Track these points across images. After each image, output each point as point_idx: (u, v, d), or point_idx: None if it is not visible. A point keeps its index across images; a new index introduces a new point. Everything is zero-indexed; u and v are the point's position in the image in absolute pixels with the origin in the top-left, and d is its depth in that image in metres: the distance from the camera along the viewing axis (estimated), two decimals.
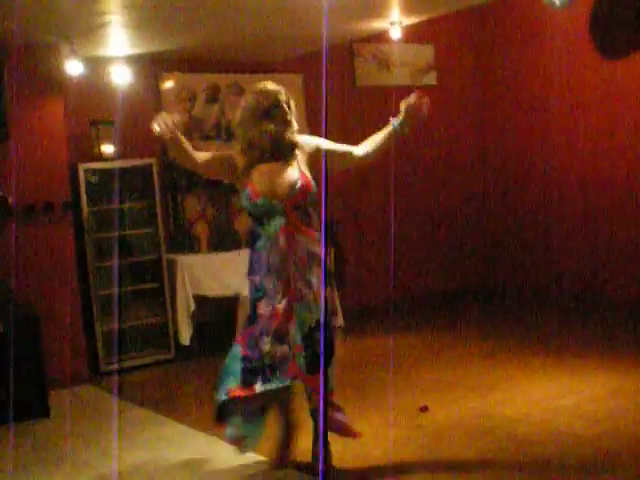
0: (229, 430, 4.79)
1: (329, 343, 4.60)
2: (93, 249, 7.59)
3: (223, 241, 8.34)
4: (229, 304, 8.07)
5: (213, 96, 8.51)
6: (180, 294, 7.79)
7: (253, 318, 4.65)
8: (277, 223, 4.57)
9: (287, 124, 4.66)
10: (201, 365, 7.72)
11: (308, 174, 4.66)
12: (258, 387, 4.57)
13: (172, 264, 7.87)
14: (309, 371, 4.59)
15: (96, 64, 7.61)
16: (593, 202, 8.92)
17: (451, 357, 7.21)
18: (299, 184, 4.58)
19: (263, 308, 4.60)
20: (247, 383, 4.60)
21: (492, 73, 9.97)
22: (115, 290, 7.60)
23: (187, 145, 4.73)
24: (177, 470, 5.10)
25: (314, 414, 4.79)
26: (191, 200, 8.30)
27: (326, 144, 4.77)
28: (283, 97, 4.67)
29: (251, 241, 4.78)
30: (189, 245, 8.23)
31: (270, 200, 4.55)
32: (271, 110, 4.60)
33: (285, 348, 4.57)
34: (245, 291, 7.97)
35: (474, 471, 4.64)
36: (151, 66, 8.13)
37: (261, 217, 4.61)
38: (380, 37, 8.37)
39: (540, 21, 9.25)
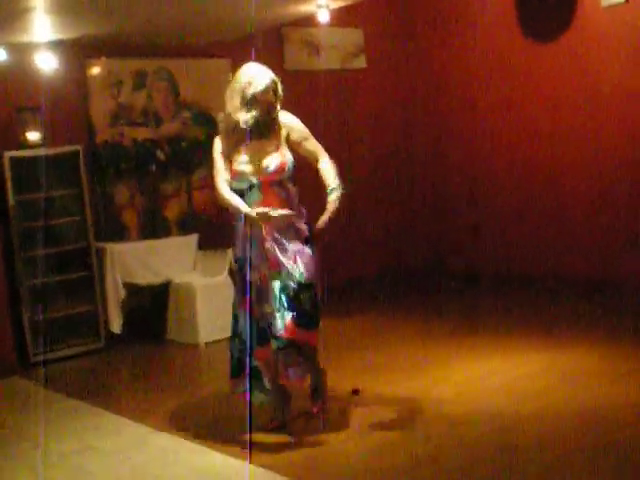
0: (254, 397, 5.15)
1: (315, 302, 4.99)
2: (20, 238, 7.45)
3: (153, 228, 8.27)
4: (160, 291, 8.02)
5: (140, 82, 8.39)
6: (110, 282, 7.71)
7: (243, 287, 4.97)
8: (253, 199, 4.92)
9: (272, 107, 4.99)
10: (132, 353, 7.66)
11: (286, 152, 5.02)
12: (273, 343, 4.96)
13: (101, 252, 7.78)
14: (300, 326, 4.93)
15: (20, 50, 7.44)
16: (522, 183, 9.02)
17: (387, 339, 7.25)
18: (273, 165, 4.93)
19: (250, 275, 4.94)
20: (263, 342, 4.98)
21: (421, 56, 10.00)
22: (43, 280, 7.48)
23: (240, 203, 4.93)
24: (108, 459, 5.03)
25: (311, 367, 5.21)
26: (120, 187, 8.18)
27: (300, 135, 5.12)
28: (269, 80, 4.95)
29: (236, 216, 5.01)
30: (118, 233, 8.12)
31: (247, 177, 4.93)
32: (257, 96, 4.89)
33: (268, 308, 4.95)
34: (176, 278, 8.03)
35: (404, 452, 4.66)
36: (77, 52, 7.97)
37: (242, 193, 4.93)
38: (309, 21, 8.34)
39: (468, 3, 9.31)
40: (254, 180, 4.93)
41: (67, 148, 7.68)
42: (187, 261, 8.14)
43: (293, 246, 4.96)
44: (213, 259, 8.08)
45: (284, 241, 4.95)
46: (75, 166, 7.72)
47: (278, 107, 5.05)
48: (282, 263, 4.92)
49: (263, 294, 4.96)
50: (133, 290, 7.90)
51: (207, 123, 8.65)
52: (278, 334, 4.92)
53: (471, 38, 9.35)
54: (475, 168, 9.51)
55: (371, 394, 5.72)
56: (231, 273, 8.03)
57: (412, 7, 10.00)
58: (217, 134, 5.14)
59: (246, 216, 4.84)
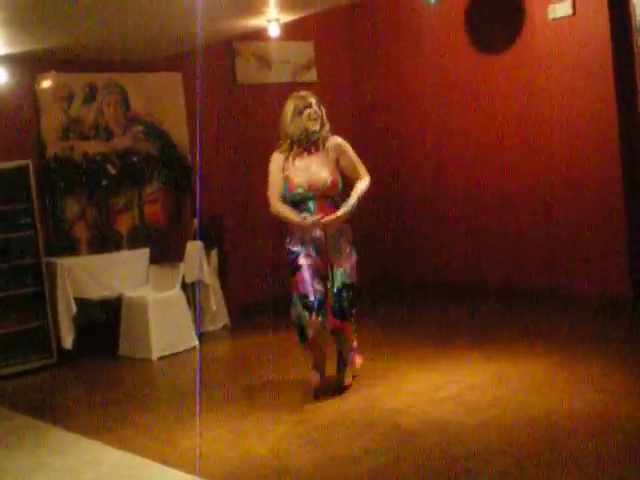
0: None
1: (353, 299, 5.94)
2: None
3: (104, 243, 8.22)
4: (111, 306, 7.98)
5: (91, 95, 8.36)
6: (61, 297, 7.65)
7: (294, 269, 5.84)
8: (311, 207, 5.77)
9: (320, 122, 5.83)
10: (85, 369, 7.60)
11: (337, 173, 5.86)
12: (315, 318, 5.76)
13: (52, 267, 7.72)
14: (338, 317, 5.87)
15: None
16: (472, 195, 9.11)
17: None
18: (328, 182, 5.78)
19: (302, 260, 5.81)
20: (310, 315, 5.76)
21: (371, 68, 10.07)
22: None
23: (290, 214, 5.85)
24: (60, 476, 5.00)
25: (340, 348, 6.14)
26: (70, 202, 8.13)
27: (348, 160, 5.93)
28: (314, 100, 5.83)
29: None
30: (69, 247, 8.07)
31: (305, 192, 5.75)
32: (305, 109, 5.76)
33: (322, 288, 5.83)
34: (128, 292, 7.99)
35: (358, 464, 4.68)
36: (27, 66, 7.92)
37: (297, 203, 5.78)
38: (260, 35, 8.37)
39: (416, 16, 9.38)
40: (310, 194, 5.74)
41: (16, 162, 7.63)
42: (139, 275, 8.10)
43: (343, 248, 5.87)
44: (165, 273, 8.05)
45: (336, 243, 5.85)
46: (25, 180, 7.66)
47: (326, 122, 5.88)
48: (336, 260, 5.84)
49: (316, 273, 5.81)
50: (85, 305, 7.85)
51: (158, 137, 8.66)
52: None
53: (420, 49, 9.43)
54: (427, 180, 9.58)
55: (324, 405, 5.74)
56: (184, 287, 8.04)
57: (362, 20, 10.07)
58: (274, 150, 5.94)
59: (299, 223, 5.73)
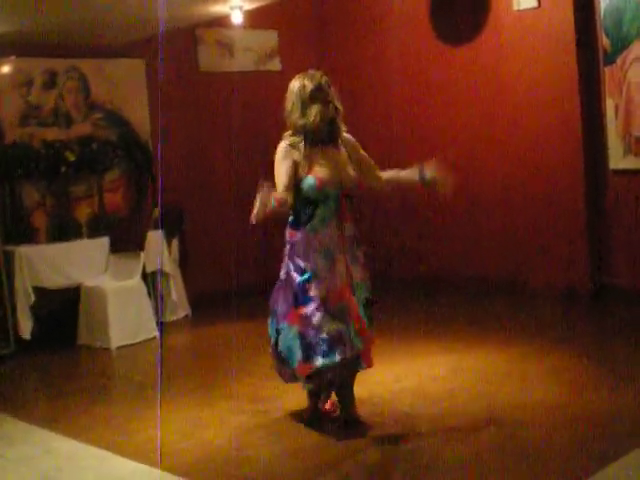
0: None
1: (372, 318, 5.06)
2: None
3: (63, 231, 8.11)
4: (70, 295, 7.89)
5: (51, 81, 8.24)
6: (19, 286, 7.53)
7: (303, 300, 4.84)
8: (332, 207, 4.90)
9: (334, 106, 4.95)
10: (43, 359, 7.50)
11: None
12: (319, 361, 4.80)
13: (10, 256, 7.60)
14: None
15: None
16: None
17: None
18: (354, 178, 4.97)
19: (314, 290, 4.82)
20: (308, 358, 4.82)
21: (335, 58, 10.02)
22: None
23: (282, 199, 4.78)
24: (13, 467, 4.93)
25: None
26: (29, 189, 8.01)
27: (362, 155, 5.11)
28: (324, 80, 4.95)
29: (295, 224, 4.98)
30: (27, 236, 7.94)
31: (334, 189, 4.88)
32: (316, 92, 4.88)
33: (339, 324, 4.81)
34: (87, 281, 7.89)
35: (317, 455, 4.66)
36: None
37: (317, 201, 4.88)
38: (224, 22, 8.30)
39: (382, 6, 9.37)
40: (335, 192, 4.92)
41: None
42: (98, 264, 8.01)
43: (359, 255, 5.04)
44: (125, 262, 7.97)
45: (351, 248, 5.00)
46: None
47: (339, 106, 5.01)
48: (354, 275, 4.95)
49: (331, 310, 4.83)
50: (43, 294, 7.75)
51: (119, 124, 8.56)
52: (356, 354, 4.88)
53: (385, 40, 9.41)
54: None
55: (284, 396, 5.71)
56: (144, 277, 7.96)
57: (326, 9, 10.02)
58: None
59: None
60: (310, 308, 4.83)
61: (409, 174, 5.15)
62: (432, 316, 7.85)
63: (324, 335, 4.79)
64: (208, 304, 8.84)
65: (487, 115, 8.59)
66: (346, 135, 5.12)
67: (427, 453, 4.55)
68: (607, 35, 7.65)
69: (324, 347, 4.79)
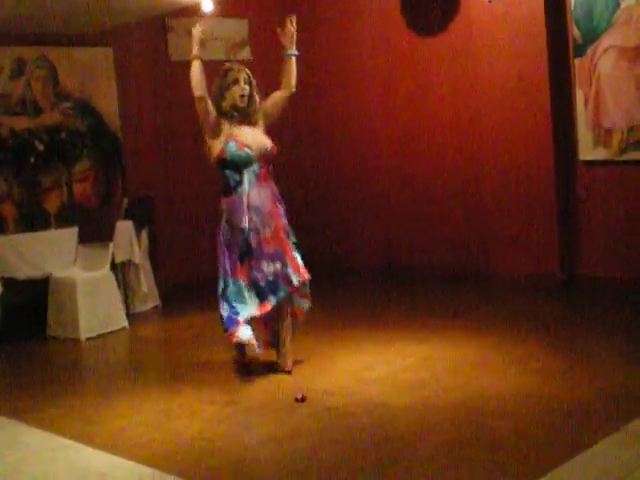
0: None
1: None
2: None
3: (31, 221, 8.04)
4: (39, 286, 7.81)
5: (18, 70, 8.16)
6: None
7: (246, 252, 5.76)
8: (255, 171, 5.78)
9: (248, 99, 5.87)
10: (12, 350, 7.43)
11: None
12: (272, 300, 5.78)
13: None
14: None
15: None
16: (402, 174, 9.13)
17: None
18: (269, 145, 5.86)
19: (253, 241, 5.74)
20: (263, 301, 5.77)
21: (306, 48, 9.93)
22: None
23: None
24: None
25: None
26: None
27: (272, 99, 6.02)
28: (245, 73, 5.91)
29: (227, 192, 5.80)
30: None
31: (251, 152, 5.73)
32: (238, 80, 5.83)
33: (278, 265, 5.79)
34: (56, 272, 7.81)
35: (288, 445, 4.64)
36: None
37: (241, 166, 5.72)
38: (194, 11, 8.23)
39: None
40: (255, 157, 5.75)
41: None
42: (67, 255, 7.92)
43: (283, 211, 5.94)
44: (94, 253, 7.90)
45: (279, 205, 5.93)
46: None
47: (256, 96, 5.91)
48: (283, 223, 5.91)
49: (264, 255, 5.76)
50: (12, 285, 7.67)
51: (88, 114, 8.49)
52: (296, 277, 5.83)
53: (357, 30, 9.40)
54: (358, 159, 9.57)
55: (254, 385, 5.69)
56: (114, 267, 7.90)
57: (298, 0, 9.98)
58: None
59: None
60: (254, 258, 5.74)
61: (288, 62, 6.08)
62: (401, 306, 7.86)
63: (270, 277, 5.75)
64: (178, 294, 8.82)
65: (458, 105, 8.60)
66: (262, 104, 5.96)
67: (398, 443, 4.54)
68: (578, 26, 7.68)
69: (272, 287, 5.76)
